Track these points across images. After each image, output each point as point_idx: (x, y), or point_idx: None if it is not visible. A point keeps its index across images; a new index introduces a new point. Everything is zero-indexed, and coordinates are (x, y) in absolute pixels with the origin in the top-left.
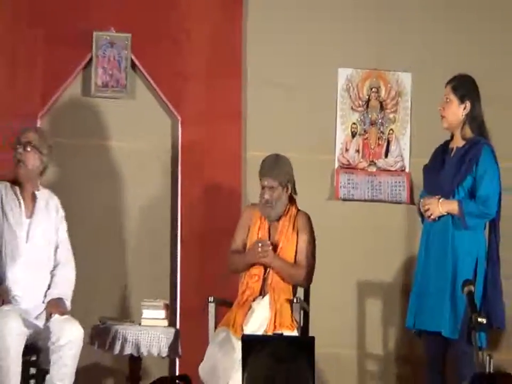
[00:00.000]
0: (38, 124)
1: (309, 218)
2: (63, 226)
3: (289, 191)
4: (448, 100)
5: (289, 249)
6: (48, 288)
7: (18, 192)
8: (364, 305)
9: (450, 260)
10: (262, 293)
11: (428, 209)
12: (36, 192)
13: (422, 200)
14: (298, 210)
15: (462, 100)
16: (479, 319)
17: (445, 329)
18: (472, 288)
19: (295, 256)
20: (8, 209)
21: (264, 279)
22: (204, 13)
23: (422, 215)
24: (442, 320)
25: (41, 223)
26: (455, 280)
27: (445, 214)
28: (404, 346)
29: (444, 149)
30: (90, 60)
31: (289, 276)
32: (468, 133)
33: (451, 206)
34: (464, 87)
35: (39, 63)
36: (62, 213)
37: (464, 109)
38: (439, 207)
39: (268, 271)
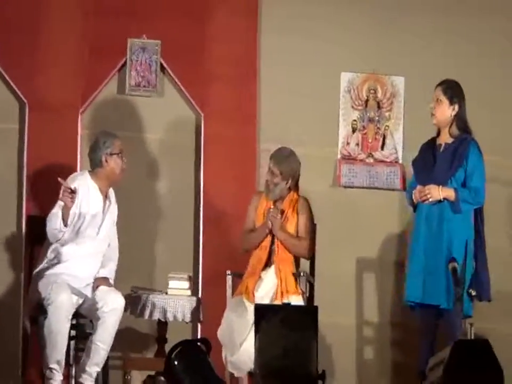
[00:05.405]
0: (79, 118)
1: (307, 202)
2: (116, 213)
3: (289, 184)
4: (439, 100)
5: (289, 227)
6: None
7: (98, 188)
8: (362, 278)
9: (446, 240)
10: (269, 263)
11: (428, 194)
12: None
13: (416, 189)
14: (299, 195)
15: (451, 102)
16: (471, 292)
17: (443, 302)
18: (456, 265)
19: (296, 233)
20: (90, 199)
21: (271, 251)
22: (225, 26)
23: (413, 205)
24: (440, 293)
25: (108, 215)
26: (449, 258)
27: (442, 200)
28: (397, 315)
29: (431, 145)
30: (125, 63)
31: (293, 245)
32: (455, 130)
33: (449, 192)
34: (453, 90)
35: (82, 66)
36: (115, 201)
37: (453, 109)
38: (439, 192)
39: (274, 242)
